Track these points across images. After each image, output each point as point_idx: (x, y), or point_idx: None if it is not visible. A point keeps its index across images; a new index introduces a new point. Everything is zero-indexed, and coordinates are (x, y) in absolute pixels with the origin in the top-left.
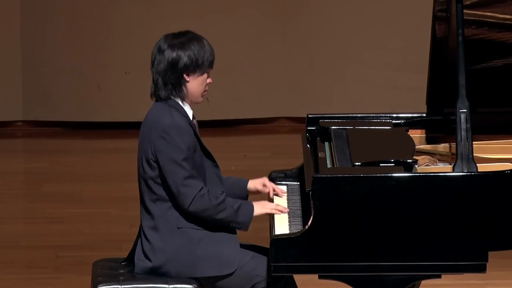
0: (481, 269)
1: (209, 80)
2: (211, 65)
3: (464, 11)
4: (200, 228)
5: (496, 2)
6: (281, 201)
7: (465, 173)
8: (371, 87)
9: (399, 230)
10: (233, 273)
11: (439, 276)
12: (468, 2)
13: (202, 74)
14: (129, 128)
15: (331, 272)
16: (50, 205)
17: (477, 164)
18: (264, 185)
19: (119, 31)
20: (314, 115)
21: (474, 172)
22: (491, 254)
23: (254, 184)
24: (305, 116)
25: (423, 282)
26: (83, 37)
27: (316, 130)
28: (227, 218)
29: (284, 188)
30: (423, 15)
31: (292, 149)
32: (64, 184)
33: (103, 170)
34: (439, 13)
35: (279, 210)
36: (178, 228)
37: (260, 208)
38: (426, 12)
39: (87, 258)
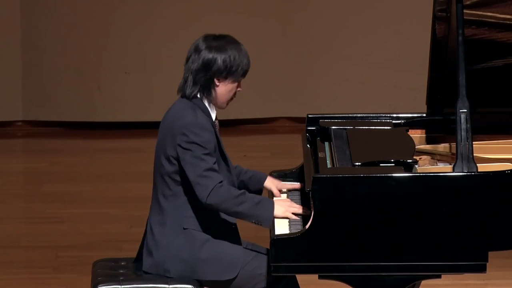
0: (481, 269)
1: (239, 89)
2: (244, 74)
3: (464, 11)
4: (206, 231)
5: (496, 2)
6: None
7: (465, 173)
8: (371, 87)
9: (399, 230)
10: (234, 278)
11: (439, 276)
12: (468, 2)
13: (233, 82)
14: (129, 128)
15: (331, 272)
16: (50, 205)
17: (477, 164)
18: (280, 188)
19: (119, 31)
20: (314, 115)
21: (474, 172)
22: (491, 254)
23: (270, 184)
24: (305, 116)
25: (423, 282)
26: (83, 37)
27: (316, 130)
28: (247, 211)
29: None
30: (423, 15)
31: (292, 149)
32: (64, 184)
33: (103, 170)
34: (439, 13)
35: (297, 213)
36: (184, 228)
37: (281, 211)
38: (426, 12)
39: (87, 258)
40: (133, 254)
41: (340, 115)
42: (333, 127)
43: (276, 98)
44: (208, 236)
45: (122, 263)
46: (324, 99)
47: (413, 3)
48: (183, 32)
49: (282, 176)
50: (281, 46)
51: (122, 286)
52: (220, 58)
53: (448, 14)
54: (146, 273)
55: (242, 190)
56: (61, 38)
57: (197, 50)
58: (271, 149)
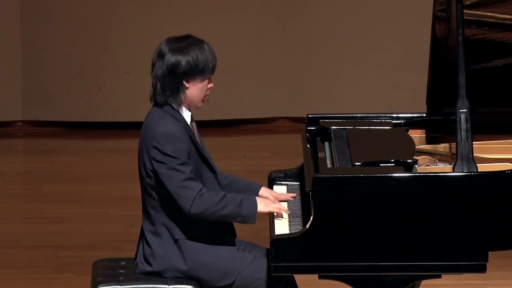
0: (481, 269)
1: (210, 85)
2: (212, 70)
3: (464, 11)
4: (198, 239)
5: (496, 2)
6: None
7: (465, 173)
8: (371, 87)
9: (399, 230)
10: (231, 283)
11: (439, 276)
12: (468, 2)
13: (202, 80)
14: (129, 128)
15: (331, 272)
16: (50, 205)
17: (477, 164)
18: (276, 198)
19: (119, 31)
20: (314, 115)
21: (474, 172)
22: (491, 254)
23: (266, 194)
24: (305, 116)
25: (423, 282)
26: (83, 37)
27: (316, 130)
28: (232, 213)
29: (284, 188)
30: (423, 15)
31: (292, 149)
32: (64, 184)
33: (103, 170)
34: (439, 13)
35: (281, 212)
36: (176, 239)
37: (263, 206)
38: (426, 12)
39: (87, 258)
40: (133, 254)
41: (340, 115)
42: (333, 127)
43: (276, 98)
44: (202, 244)
45: (122, 263)
46: (324, 99)
47: (413, 3)
48: (183, 32)
49: (282, 176)
50: (281, 46)
51: (122, 286)
52: (183, 59)
53: (448, 14)
54: None
55: (223, 193)
56: (61, 38)
57: (160, 55)
58: (271, 149)
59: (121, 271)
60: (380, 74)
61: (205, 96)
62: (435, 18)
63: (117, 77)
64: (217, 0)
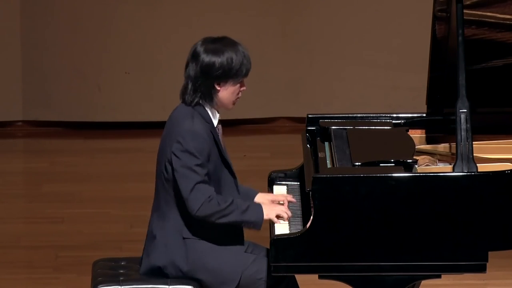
0: (481, 269)
1: (242, 88)
2: (246, 74)
3: (464, 11)
4: (205, 240)
5: (496, 2)
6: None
7: (465, 173)
8: (371, 87)
9: (399, 230)
10: None
11: (439, 276)
12: (468, 2)
13: (234, 84)
14: (129, 128)
15: (331, 272)
16: (50, 205)
17: (477, 164)
18: (273, 201)
19: (119, 31)
20: (314, 115)
21: (474, 172)
22: (491, 254)
23: (261, 199)
24: (305, 116)
25: (423, 282)
26: (83, 37)
27: (316, 130)
28: (236, 219)
29: (284, 188)
30: (423, 15)
31: (292, 149)
32: (64, 184)
33: (103, 170)
34: (439, 13)
35: (284, 216)
36: (183, 238)
37: (266, 213)
38: (426, 12)
39: (87, 258)
40: (133, 254)
41: (340, 115)
42: (333, 127)
43: (276, 98)
44: (208, 246)
45: (122, 263)
46: (324, 99)
47: (413, 3)
48: (183, 32)
49: (282, 176)
50: (281, 46)
51: (122, 286)
52: (217, 62)
53: (448, 14)
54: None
55: (231, 199)
56: (61, 38)
57: (194, 55)
58: (271, 149)
59: (121, 271)
60: (380, 74)
61: (236, 99)
62: (435, 18)
63: (117, 77)
64: (217, 0)
